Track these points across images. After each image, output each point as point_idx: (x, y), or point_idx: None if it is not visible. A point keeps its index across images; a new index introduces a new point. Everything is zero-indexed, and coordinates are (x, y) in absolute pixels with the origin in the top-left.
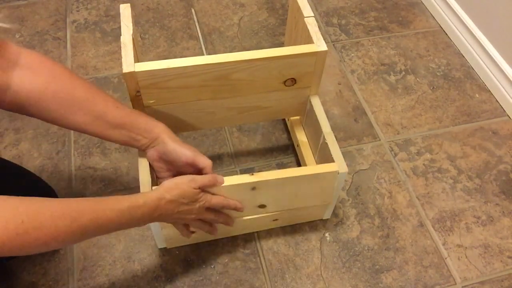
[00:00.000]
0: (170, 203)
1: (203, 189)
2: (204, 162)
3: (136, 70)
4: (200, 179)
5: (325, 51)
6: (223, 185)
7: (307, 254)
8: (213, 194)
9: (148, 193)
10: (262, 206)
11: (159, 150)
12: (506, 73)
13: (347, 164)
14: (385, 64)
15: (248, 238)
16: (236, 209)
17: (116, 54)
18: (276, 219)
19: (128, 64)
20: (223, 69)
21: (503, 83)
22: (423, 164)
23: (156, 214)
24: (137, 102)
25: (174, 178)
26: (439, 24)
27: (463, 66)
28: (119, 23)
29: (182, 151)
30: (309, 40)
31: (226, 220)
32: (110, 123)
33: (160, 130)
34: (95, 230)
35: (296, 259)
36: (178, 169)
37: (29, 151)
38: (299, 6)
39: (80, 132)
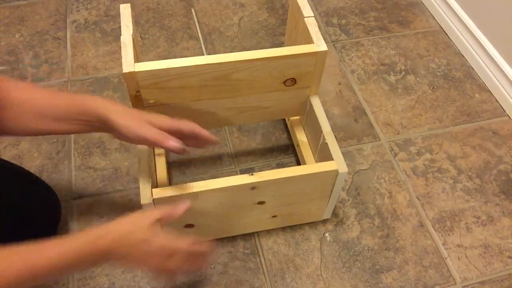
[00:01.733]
0: (117, 241)
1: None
2: (187, 125)
3: (136, 70)
4: (152, 213)
5: (325, 51)
6: (223, 186)
7: (307, 254)
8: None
9: (85, 232)
10: (261, 203)
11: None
12: (506, 73)
13: (347, 164)
14: (385, 64)
15: (248, 238)
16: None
17: (116, 54)
18: (275, 215)
19: (128, 64)
20: (223, 69)
21: (503, 83)
22: (423, 164)
23: (104, 252)
24: (137, 102)
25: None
26: (439, 24)
27: (463, 66)
28: (119, 23)
29: (139, 131)
30: (309, 40)
31: (196, 264)
32: (53, 117)
33: (104, 110)
34: (32, 277)
35: (296, 259)
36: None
37: (29, 151)
38: (299, 6)
39: (35, 136)
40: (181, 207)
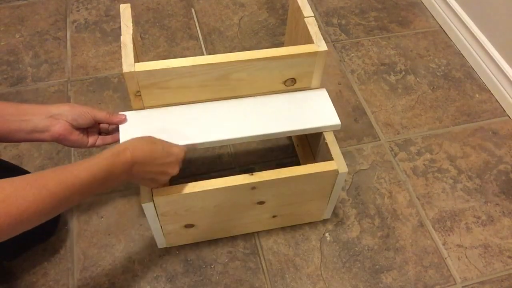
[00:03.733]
0: (140, 149)
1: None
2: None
3: (136, 70)
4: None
5: (325, 51)
6: (223, 185)
7: (307, 254)
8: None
9: (117, 145)
10: (261, 203)
11: (70, 118)
12: (506, 73)
13: (347, 164)
14: (385, 64)
15: (248, 238)
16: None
17: (116, 54)
18: (275, 215)
19: (128, 64)
20: (223, 69)
21: (503, 83)
22: (423, 164)
23: (130, 168)
24: (137, 102)
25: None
26: (439, 24)
27: (463, 66)
28: (119, 23)
29: (93, 111)
30: (309, 40)
31: None
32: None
33: (49, 107)
34: (70, 193)
35: (296, 259)
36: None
37: (29, 151)
38: (299, 6)
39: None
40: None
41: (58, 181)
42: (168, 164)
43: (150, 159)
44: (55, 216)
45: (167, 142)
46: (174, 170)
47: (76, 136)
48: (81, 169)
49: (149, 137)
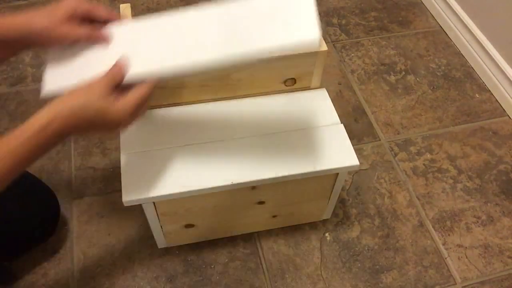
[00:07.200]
0: (69, 120)
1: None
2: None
3: None
4: (105, 78)
5: (325, 51)
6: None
7: (307, 254)
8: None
9: (41, 113)
10: (261, 203)
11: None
12: (506, 73)
13: None
14: (385, 64)
15: (248, 238)
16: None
17: None
18: (275, 215)
19: None
20: (223, 69)
21: (503, 83)
22: (423, 164)
23: (64, 136)
24: None
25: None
26: (439, 24)
27: (463, 66)
28: None
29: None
30: None
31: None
32: None
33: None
34: (4, 176)
35: (296, 259)
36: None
37: None
38: None
39: None
40: (120, 63)
41: None
42: (108, 126)
43: (84, 126)
44: None
45: (105, 100)
46: (116, 132)
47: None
48: (10, 151)
49: (83, 95)
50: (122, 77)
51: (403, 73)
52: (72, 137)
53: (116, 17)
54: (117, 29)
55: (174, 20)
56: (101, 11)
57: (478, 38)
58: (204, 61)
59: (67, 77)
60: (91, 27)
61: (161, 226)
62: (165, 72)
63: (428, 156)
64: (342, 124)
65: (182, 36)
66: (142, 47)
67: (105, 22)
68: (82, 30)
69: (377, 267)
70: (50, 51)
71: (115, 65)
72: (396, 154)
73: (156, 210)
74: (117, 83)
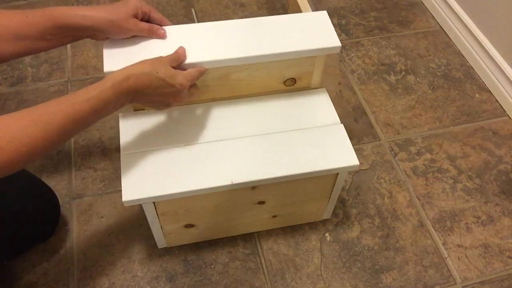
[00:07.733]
0: (142, 79)
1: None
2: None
3: None
4: (165, 58)
5: None
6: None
7: (307, 254)
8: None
9: (116, 72)
10: (261, 203)
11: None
12: (506, 73)
13: None
14: (385, 64)
15: (248, 238)
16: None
17: None
18: (275, 215)
19: None
20: (223, 69)
21: (503, 83)
22: (423, 164)
23: (132, 97)
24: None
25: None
26: (439, 24)
27: (463, 66)
28: None
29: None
30: None
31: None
32: (30, 37)
33: (76, 18)
34: (75, 126)
35: (296, 259)
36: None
37: None
38: (299, 6)
39: (16, 58)
40: (182, 49)
41: (63, 115)
42: (170, 94)
43: (151, 89)
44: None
45: (171, 69)
46: (176, 100)
47: (132, 20)
48: (83, 101)
49: (152, 62)
50: (185, 58)
51: (403, 73)
52: (132, 104)
53: (167, 22)
54: (168, 30)
55: (215, 25)
56: (157, 14)
57: (478, 38)
58: (244, 56)
59: (127, 60)
60: (151, 24)
61: (161, 226)
62: (214, 61)
63: (428, 156)
64: (342, 124)
65: (223, 38)
66: (192, 44)
67: (158, 24)
68: (145, 25)
69: (377, 267)
70: (107, 41)
71: (179, 48)
72: (396, 154)
73: (156, 210)
74: (180, 62)
